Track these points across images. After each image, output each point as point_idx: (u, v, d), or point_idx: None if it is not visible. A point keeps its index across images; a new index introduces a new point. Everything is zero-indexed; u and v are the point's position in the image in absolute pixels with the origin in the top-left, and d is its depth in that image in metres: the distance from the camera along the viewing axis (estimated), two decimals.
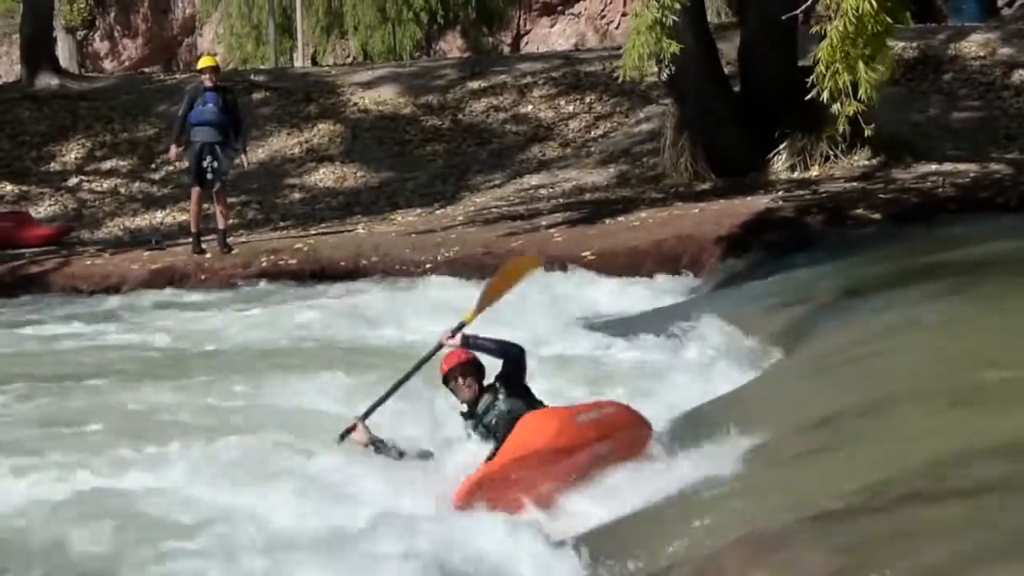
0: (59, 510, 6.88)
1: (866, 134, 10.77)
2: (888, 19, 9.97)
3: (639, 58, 11.19)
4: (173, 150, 17.24)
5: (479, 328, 7.56)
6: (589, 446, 6.85)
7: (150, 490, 7.17)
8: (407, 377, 7.64)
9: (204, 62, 17.52)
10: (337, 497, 6.93)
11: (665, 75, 11.66)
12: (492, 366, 7.39)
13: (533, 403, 7.27)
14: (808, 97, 10.46)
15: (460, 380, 7.24)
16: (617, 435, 7.02)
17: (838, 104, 10.18)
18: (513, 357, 7.33)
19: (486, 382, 7.32)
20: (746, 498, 5.56)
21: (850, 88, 10.03)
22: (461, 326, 7.53)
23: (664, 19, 11.11)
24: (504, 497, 6.64)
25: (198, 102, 16.64)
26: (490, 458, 6.89)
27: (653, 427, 7.34)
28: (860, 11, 9.72)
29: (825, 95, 10.13)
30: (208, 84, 16.71)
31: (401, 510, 6.65)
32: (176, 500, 6.97)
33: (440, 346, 7.50)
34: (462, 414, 7.31)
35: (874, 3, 9.70)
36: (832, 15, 10.03)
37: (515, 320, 12.28)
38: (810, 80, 10.28)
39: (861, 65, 9.89)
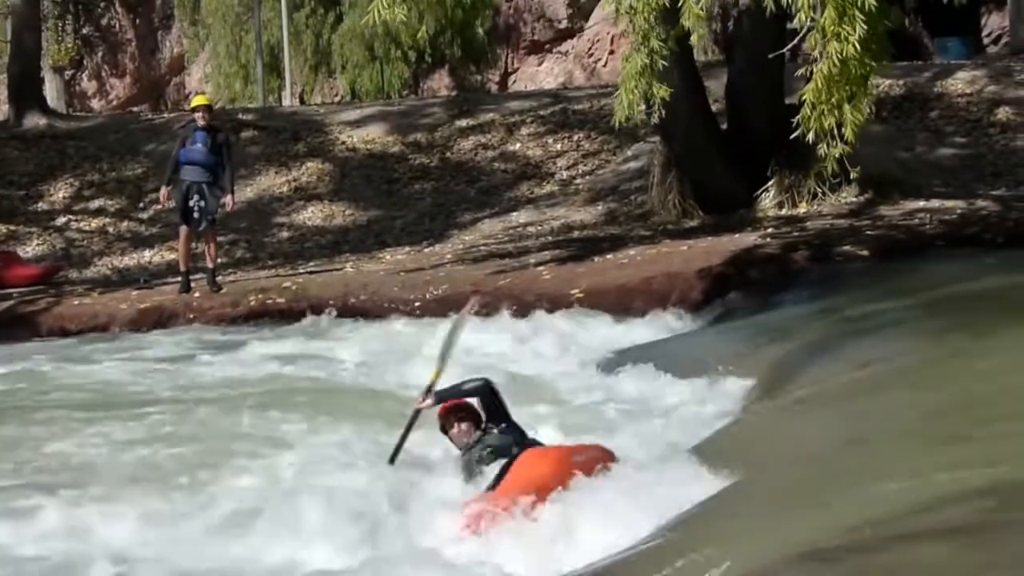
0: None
1: (852, 176, 10.85)
2: (871, 63, 10.06)
3: (630, 104, 11.26)
4: (163, 192, 17.18)
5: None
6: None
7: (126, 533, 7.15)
8: (397, 449, 7.73)
9: (196, 101, 17.51)
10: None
11: (656, 119, 11.73)
12: None
13: (523, 437, 7.32)
14: (793, 136, 10.54)
15: (456, 426, 7.29)
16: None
17: (825, 145, 10.25)
18: (482, 392, 7.42)
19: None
20: (732, 538, 5.54)
21: (836, 129, 10.10)
22: (429, 388, 7.62)
23: (654, 64, 11.19)
24: (504, 526, 6.67)
25: (188, 141, 16.66)
26: (490, 488, 6.94)
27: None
28: (844, 54, 9.80)
29: (811, 136, 10.20)
30: (201, 123, 16.70)
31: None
32: (156, 543, 6.94)
33: (418, 411, 7.61)
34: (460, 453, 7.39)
35: (858, 47, 9.77)
36: (817, 57, 10.10)
37: (508, 357, 12.37)
38: (795, 120, 10.35)
39: (846, 107, 9.97)
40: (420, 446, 8.04)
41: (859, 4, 9.85)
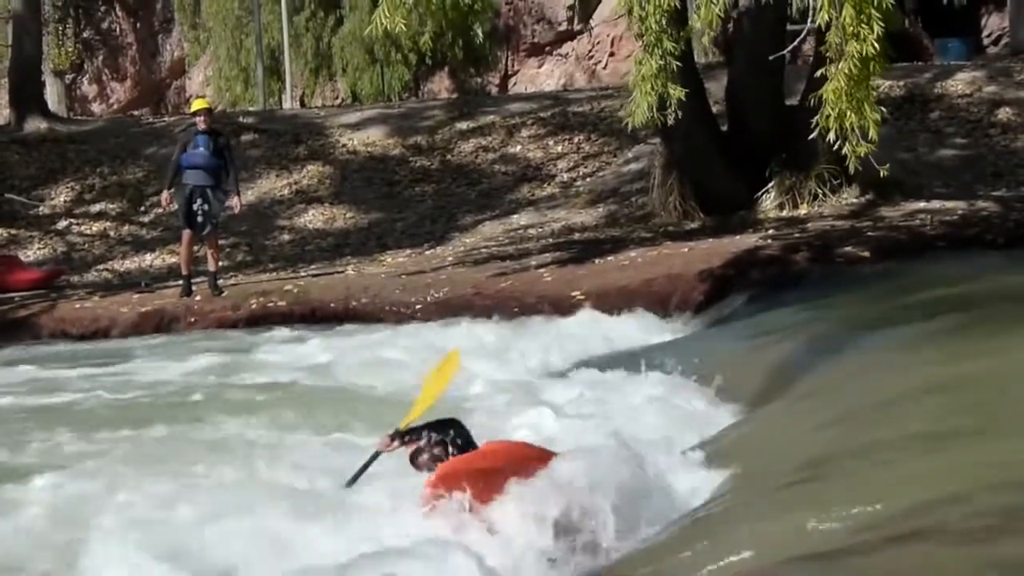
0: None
1: (881, 174, 10.91)
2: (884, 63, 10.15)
3: (648, 106, 11.32)
4: (165, 195, 17.20)
5: None
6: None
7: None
8: (356, 477, 7.61)
9: (197, 104, 17.50)
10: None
11: (672, 120, 11.76)
12: None
13: None
14: (812, 136, 10.58)
15: (429, 452, 7.20)
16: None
17: (849, 145, 10.28)
18: (449, 429, 7.35)
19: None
20: (737, 539, 5.54)
21: (855, 129, 10.15)
22: (396, 432, 7.50)
23: (668, 65, 11.24)
24: (472, 488, 6.66)
25: (190, 145, 16.66)
26: None
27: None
28: (864, 54, 9.84)
29: (831, 136, 10.24)
30: (202, 127, 16.70)
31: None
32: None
33: (377, 454, 7.49)
34: None
35: (876, 46, 9.82)
36: (834, 57, 10.14)
37: (502, 358, 12.36)
38: (815, 121, 10.37)
39: (866, 106, 10.02)
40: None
41: (875, 3, 9.90)
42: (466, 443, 7.31)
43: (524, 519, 6.50)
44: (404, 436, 7.39)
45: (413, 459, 7.24)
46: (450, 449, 7.21)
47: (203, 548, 6.72)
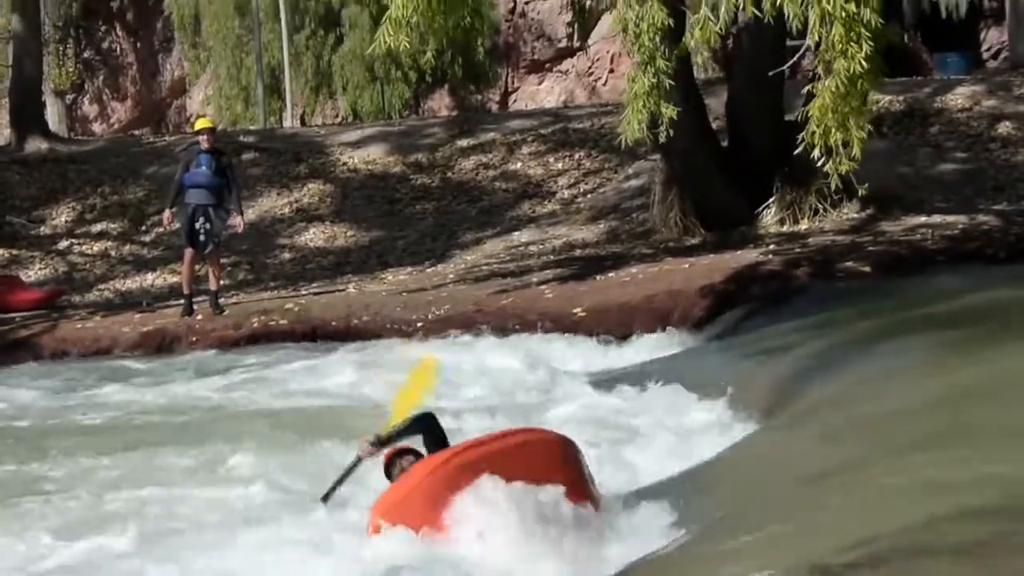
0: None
1: (860, 193, 10.93)
2: (873, 81, 10.16)
3: (639, 123, 11.34)
4: (167, 214, 17.21)
5: None
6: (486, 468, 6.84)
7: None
8: (332, 491, 7.64)
9: (200, 124, 17.49)
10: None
11: (664, 138, 11.78)
12: None
13: None
14: (797, 152, 10.59)
15: (400, 468, 7.19)
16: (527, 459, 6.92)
17: (832, 162, 10.30)
18: (424, 426, 7.35)
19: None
20: (739, 556, 5.53)
21: (841, 145, 10.16)
22: (377, 439, 7.51)
23: (661, 84, 11.27)
24: (418, 516, 6.66)
25: (192, 164, 16.67)
26: None
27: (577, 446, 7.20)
28: (852, 72, 9.86)
29: (816, 152, 10.25)
30: (205, 146, 16.71)
31: None
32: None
33: (359, 459, 7.52)
34: None
35: (864, 64, 9.84)
36: (822, 74, 10.16)
37: (496, 375, 12.38)
38: (800, 137, 10.39)
39: (852, 123, 10.04)
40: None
41: (864, 22, 9.92)
42: (437, 440, 7.31)
43: (479, 540, 6.50)
44: (384, 443, 7.42)
45: (388, 472, 7.26)
46: (423, 454, 7.23)
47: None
